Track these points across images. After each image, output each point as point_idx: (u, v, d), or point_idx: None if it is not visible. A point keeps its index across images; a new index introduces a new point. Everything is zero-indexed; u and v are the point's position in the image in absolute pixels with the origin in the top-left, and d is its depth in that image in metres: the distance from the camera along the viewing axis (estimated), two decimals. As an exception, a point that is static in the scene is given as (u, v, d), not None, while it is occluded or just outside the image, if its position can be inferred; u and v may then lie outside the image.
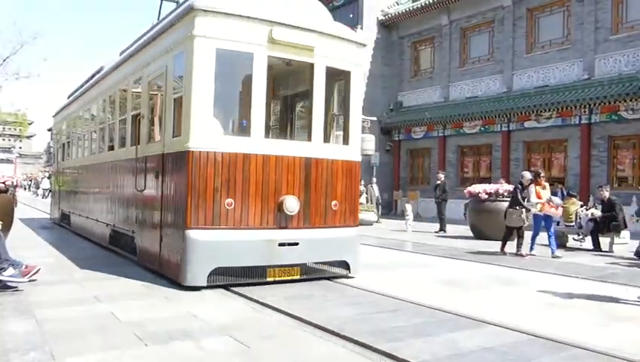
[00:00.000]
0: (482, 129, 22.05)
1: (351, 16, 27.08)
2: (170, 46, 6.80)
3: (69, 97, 14.45)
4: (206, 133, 6.05)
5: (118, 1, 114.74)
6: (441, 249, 11.11)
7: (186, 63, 6.19)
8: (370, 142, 19.54)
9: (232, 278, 6.03)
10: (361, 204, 18.32)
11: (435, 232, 15.33)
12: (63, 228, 13.11)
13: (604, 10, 18.45)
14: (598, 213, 11.49)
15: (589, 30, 18.75)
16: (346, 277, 6.80)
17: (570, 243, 12.04)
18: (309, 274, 6.64)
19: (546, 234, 10.27)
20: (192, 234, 5.89)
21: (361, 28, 25.74)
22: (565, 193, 14.65)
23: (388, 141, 26.08)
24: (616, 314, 5.34)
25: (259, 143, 6.32)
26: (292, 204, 6.31)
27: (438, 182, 16.30)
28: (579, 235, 11.81)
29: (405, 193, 23.69)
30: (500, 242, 10.50)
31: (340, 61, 7.02)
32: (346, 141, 7.23)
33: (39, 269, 5.85)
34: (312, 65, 6.75)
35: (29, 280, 5.68)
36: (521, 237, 10.16)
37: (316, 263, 6.86)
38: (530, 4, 20.94)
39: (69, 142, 13.90)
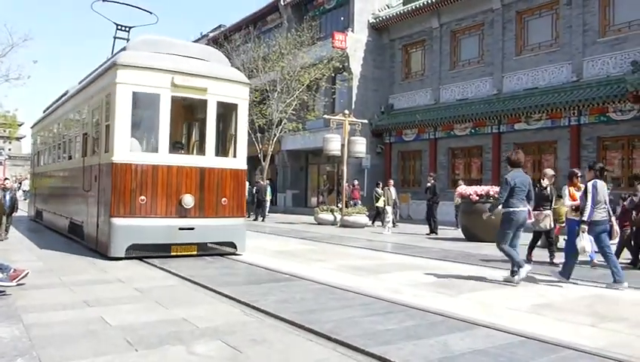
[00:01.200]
0: (473, 131, 22.14)
1: (342, 19, 27.17)
2: (103, 86, 9.33)
3: (44, 112, 16.84)
4: (125, 150, 8.48)
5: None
6: (433, 251, 11.13)
7: (112, 101, 8.64)
8: (361, 145, 19.64)
9: (145, 252, 8.47)
10: (377, 207, 18.34)
11: (427, 234, 15.36)
12: (37, 223, 15.36)
13: (591, 14, 18.62)
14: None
15: (577, 33, 18.91)
16: (234, 254, 9.23)
17: (561, 243, 12.08)
18: (204, 250, 9.14)
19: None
20: (115, 221, 8.28)
21: (352, 31, 25.81)
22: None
23: (379, 143, 26.12)
24: (607, 315, 5.37)
25: (164, 157, 8.69)
26: (188, 200, 8.69)
27: (429, 184, 16.33)
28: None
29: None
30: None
31: (228, 97, 9.45)
32: (234, 155, 9.61)
33: (28, 273, 5.80)
34: (205, 101, 9.21)
35: (17, 284, 5.63)
36: (552, 244, 9.28)
37: (212, 243, 9.35)
38: (519, 7, 21.08)
39: (41, 150, 16.49)
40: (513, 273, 7.24)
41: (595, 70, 18.34)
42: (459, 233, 14.55)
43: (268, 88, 24.22)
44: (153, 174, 8.52)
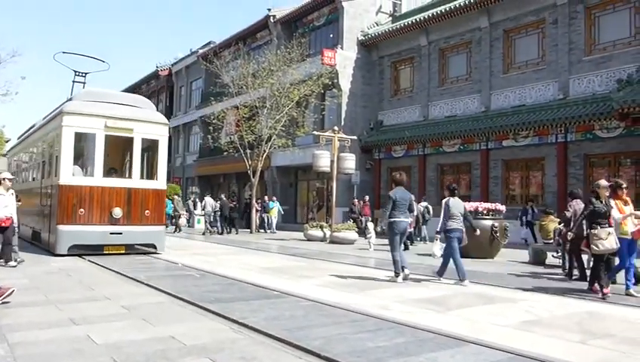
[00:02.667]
0: (461, 148, 22.30)
1: (331, 36, 27.40)
2: (54, 127, 12.26)
3: (17, 139, 19.96)
4: (69, 175, 11.32)
5: (94, 15, 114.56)
6: (421, 267, 11.12)
7: (60, 139, 11.51)
8: (350, 161, 19.67)
9: (83, 251, 11.17)
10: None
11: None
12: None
13: (577, 32, 18.93)
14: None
15: (564, 51, 19.20)
16: (155, 253, 12.15)
17: (550, 260, 12.16)
18: (131, 250, 11.99)
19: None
20: (60, 227, 11.11)
21: (342, 48, 26.02)
22: (537, 211, 14.81)
23: (368, 160, 26.21)
24: (596, 331, 5.38)
25: (99, 180, 11.56)
26: (117, 212, 11.47)
27: (421, 208, 16.49)
28: (557, 252, 11.93)
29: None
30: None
31: (151, 134, 12.36)
32: (155, 178, 12.40)
33: (13, 291, 5.73)
34: (132, 138, 12.08)
35: (2, 302, 5.55)
36: (611, 267, 8.04)
37: (137, 244, 12.13)
38: (506, 25, 21.39)
39: (14, 172, 18.76)
40: (397, 274, 8.77)
41: (582, 88, 18.61)
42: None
43: (257, 104, 24.28)
44: (90, 193, 11.34)
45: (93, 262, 10.40)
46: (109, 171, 12.14)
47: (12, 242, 9.39)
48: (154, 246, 12.16)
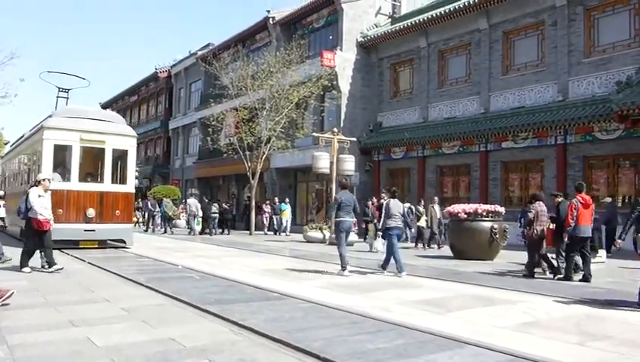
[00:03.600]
0: (461, 149, 22.31)
1: (330, 38, 27.41)
2: (37, 140, 14.17)
3: (10, 146, 21.92)
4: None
5: (94, 15, 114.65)
6: (421, 269, 11.14)
7: (41, 149, 13.30)
8: (350, 163, 19.67)
9: (62, 245, 12.21)
10: (418, 227, 17.98)
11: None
12: (2, 232, 16.65)
13: (576, 34, 18.95)
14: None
15: (563, 53, 19.22)
16: (124, 247, 13.82)
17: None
18: (104, 244, 13.85)
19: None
20: None
21: (341, 49, 26.03)
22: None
23: (368, 161, 26.20)
24: (594, 333, 5.39)
25: (75, 185, 13.33)
26: (91, 212, 13.25)
27: (382, 201, 16.17)
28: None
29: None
30: None
31: (121, 145, 14.32)
32: (125, 182, 14.26)
33: (13, 293, 5.74)
34: (104, 149, 13.93)
35: (2, 304, 5.56)
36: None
37: (109, 240, 13.92)
38: (505, 27, 21.40)
39: (7, 177, 21.33)
40: (343, 268, 9.89)
41: (581, 90, 18.62)
42: (446, 251, 14.56)
43: (257, 106, 24.30)
44: (67, 195, 13.05)
45: (91, 264, 10.41)
46: (85, 176, 13.93)
47: (50, 245, 9.24)
48: (123, 242, 13.91)
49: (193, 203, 24.11)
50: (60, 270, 9.00)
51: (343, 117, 25.67)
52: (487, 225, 13.07)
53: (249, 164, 24.38)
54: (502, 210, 13.96)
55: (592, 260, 11.17)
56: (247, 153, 24.26)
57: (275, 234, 24.42)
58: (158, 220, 26.86)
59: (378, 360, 4.13)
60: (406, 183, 25.19)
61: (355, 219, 10.49)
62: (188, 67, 40.60)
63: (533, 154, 19.97)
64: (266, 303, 6.57)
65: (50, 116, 14.54)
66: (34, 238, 9.04)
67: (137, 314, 5.74)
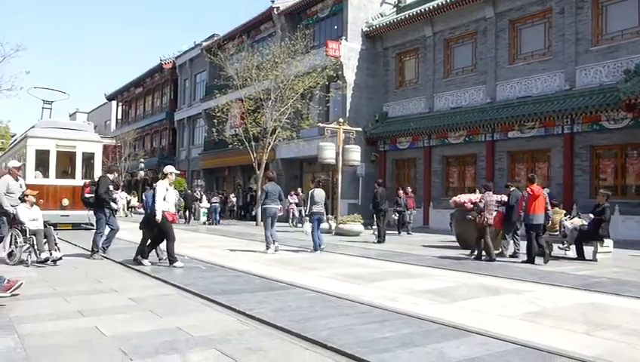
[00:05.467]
0: (467, 139, 22.23)
1: (335, 27, 27.28)
2: (23, 145, 17.98)
3: (8, 146, 24.48)
4: (32, 177, 16.45)
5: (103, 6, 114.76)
6: (427, 258, 11.15)
7: (26, 153, 17.09)
8: (355, 153, 19.67)
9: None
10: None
11: (373, 242, 15.27)
12: None
13: (584, 22, 18.78)
14: (579, 221, 11.66)
15: (570, 42, 19.06)
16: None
17: (555, 251, 12.15)
18: (77, 227, 16.88)
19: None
20: None
21: (346, 39, 25.92)
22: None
23: (373, 151, 26.16)
24: (601, 322, 5.39)
25: (53, 181, 16.95)
26: (65, 202, 16.78)
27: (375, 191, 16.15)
28: (563, 244, 11.92)
29: (392, 204, 23.79)
30: None
31: (89, 149, 18.07)
32: (92, 177, 15.12)
33: (22, 284, 5.79)
34: (75, 152, 17.71)
35: (11, 295, 5.61)
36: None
37: (82, 223, 16.65)
38: (512, 16, 21.24)
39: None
40: (267, 247, 11.73)
41: (588, 79, 18.49)
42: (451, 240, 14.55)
43: (262, 97, 24.26)
44: (47, 189, 16.33)
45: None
46: (61, 173, 17.65)
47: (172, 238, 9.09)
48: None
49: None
50: (182, 267, 8.77)
51: (348, 107, 25.61)
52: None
53: (255, 155, 24.38)
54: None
55: (600, 249, 11.19)
56: (253, 144, 24.26)
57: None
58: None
59: (385, 348, 4.15)
60: (412, 173, 25.17)
61: (280, 206, 12.19)
62: (193, 58, 40.56)
63: (539, 144, 19.87)
64: (273, 293, 6.60)
65: (33, 127, 18.78)
66: (153, 231, 9.02)
67: (145, 304, 5.78)
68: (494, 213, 11.14)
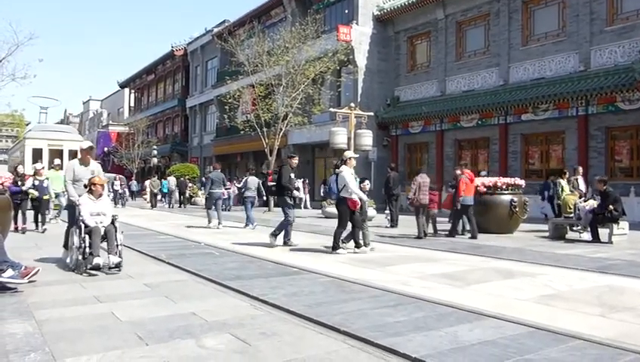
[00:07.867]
0: (479, 122, 22.06)
1: (346, 12, 27.07)
2: (22, 144, 26.31)
3: (14, 143, 36.22)
4: (29, 170, 17.38)
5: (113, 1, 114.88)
6: (440, 242, 11.13)
7: (24, 151, 24.97)
8: (367, 138, 19.60)
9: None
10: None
11: (386, 227, 15.25)
12: None
13: (599, 2, 18.45)
14: (594, 203, 11.55)
15: (585, 22, 18.75)
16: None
17: (570, 234, 12.07)
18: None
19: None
20: None
21: (357, 23, 25.73)
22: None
23: (385, 136, 26.08)
24: (616, 305, 5.35)
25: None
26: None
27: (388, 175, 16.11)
28: (578, 226, 11.83)
29: (404, 188, 23.69)
30: None
31: (74, 147, 21.53)
32: None
33: (39, 270, 5.85)
34: (62, 150, 24.10)
35: (29, 281, 5.68)
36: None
37: None
38: (525, -4, 20.93)
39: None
40: (209, 222, 14.49)
41: (603, 59, 18.21)
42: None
43: (273, 83, 24.23)
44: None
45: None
46: (52, 167, 19.94)
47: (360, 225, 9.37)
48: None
49: (172, 181, 29.22)
50: (373, 249, 9.43)
51: (359, 92, 25.49)
52: (507, 198, 12.96)
53: (267, 141, 24.40)
54: (522, 182, 13.82)
55: (615, 231, 11.08)
56: (265, 130, 24.27)
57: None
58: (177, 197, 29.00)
59: (398, 332, 4.15)
60: (424, 158, 25.06)
61: (223, 190, 15.40)
62: (204, 45, 40.53)
63: (553, 126, 19.67)
64: (286, 278, 6.63)
65: (29, 130, 23.52)
66: (355, 215, 9.19)
67: (160, 290, 5.84)
68: (427, 194, 12.24)
